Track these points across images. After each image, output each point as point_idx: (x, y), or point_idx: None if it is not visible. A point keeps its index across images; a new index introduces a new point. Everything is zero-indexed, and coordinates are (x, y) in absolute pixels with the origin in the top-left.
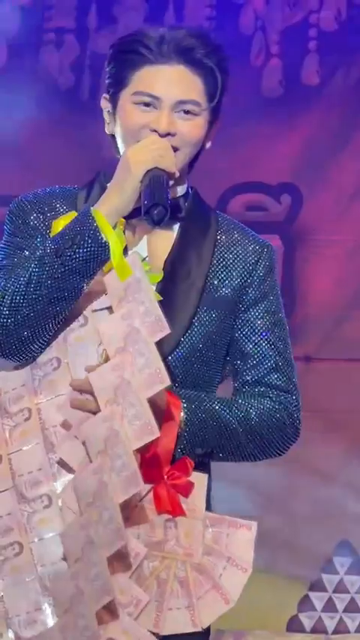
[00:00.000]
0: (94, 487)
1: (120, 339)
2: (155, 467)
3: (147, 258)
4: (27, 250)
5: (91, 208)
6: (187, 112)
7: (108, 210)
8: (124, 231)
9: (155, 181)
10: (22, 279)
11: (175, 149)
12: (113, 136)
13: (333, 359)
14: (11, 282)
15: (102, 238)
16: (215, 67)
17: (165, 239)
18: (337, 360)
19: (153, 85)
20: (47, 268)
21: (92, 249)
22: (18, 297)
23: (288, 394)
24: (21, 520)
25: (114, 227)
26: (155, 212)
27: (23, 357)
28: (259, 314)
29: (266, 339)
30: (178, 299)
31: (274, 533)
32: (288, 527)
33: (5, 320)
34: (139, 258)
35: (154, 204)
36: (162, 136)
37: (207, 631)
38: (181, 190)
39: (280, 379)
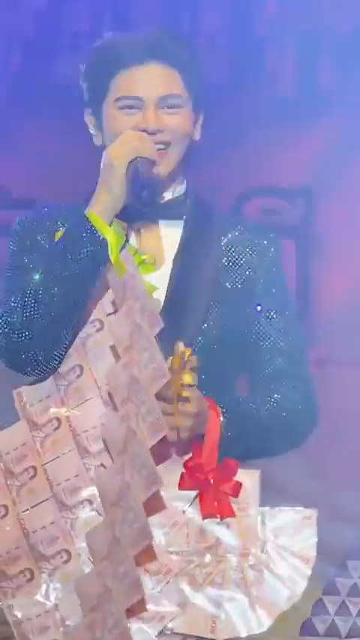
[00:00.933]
0: (116, 487)
1: (127, 336)
2: (199, 472)
3: (139, 251)
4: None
5: (84, 212)
6: (171, 107)
7: (100, 209)
8: (126, 235)
9: (139, 168)
10: (30, 292)
11: (168, 144)
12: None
13: (346, 362)
14: (19, 297)
15: (100, 236)
16: (189, 58)
17: (171, 238)
18: (351, 364)
19: (133, 87)
20: (52, 277)
21: (92, 248)
22: (29, 311)
23: (304, 383)
24: (65, 527)
25: (110, 225)
26: (144, 194)
27: (43, 371)
28: (272, 306)
29: (281, 331)
30: (190, 295)
31: None
32: None
33: (19, 335)
34: (131, 253)
35: (141, 187)
36: (152, 133)
37: None
38: (181, 189)
39: (295, 371)
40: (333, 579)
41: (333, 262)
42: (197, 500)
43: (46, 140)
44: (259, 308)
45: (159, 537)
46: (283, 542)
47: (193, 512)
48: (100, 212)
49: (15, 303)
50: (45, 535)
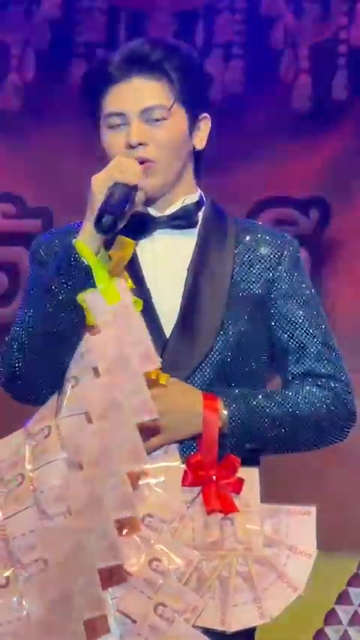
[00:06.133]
0: (84, 496)
1: (110, 360)
2: (201, 469)
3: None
4: None
5: (73, 240)
6: (157, 120)
7: (85, 237)
8: (134, 252)
9: (110, 194)
10: (24, 320)
11: (154, 158)
12: None
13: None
14: (17, 326)
15: (83, 263)
16: (177, 67)
17: (185, 247)
18: None
19: (117, 104)
20: (41, 305)
21: (76, 275)
22: (23, 340)
23: (336, 381)
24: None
25: (97, 252)
26: (103, 220)
27: (42, 400)
28: (294, 307)
29: (306, 331)
30: (205, 303)
31: None
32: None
33: (16, 365)
34: (127, 284)
35: (102, 214)
36: (134, 147)
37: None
38: (190, 198)
39: (325, 367)
40: (346, 589)
41: (347, 272)
42: (201, 495)
43: (61, 150)
44: (284, 308)
45: (167, 532)
46: (284, 538)
47: (197, 508)
48: (87, 240)
49: (13, 334)
50: (24, 542)
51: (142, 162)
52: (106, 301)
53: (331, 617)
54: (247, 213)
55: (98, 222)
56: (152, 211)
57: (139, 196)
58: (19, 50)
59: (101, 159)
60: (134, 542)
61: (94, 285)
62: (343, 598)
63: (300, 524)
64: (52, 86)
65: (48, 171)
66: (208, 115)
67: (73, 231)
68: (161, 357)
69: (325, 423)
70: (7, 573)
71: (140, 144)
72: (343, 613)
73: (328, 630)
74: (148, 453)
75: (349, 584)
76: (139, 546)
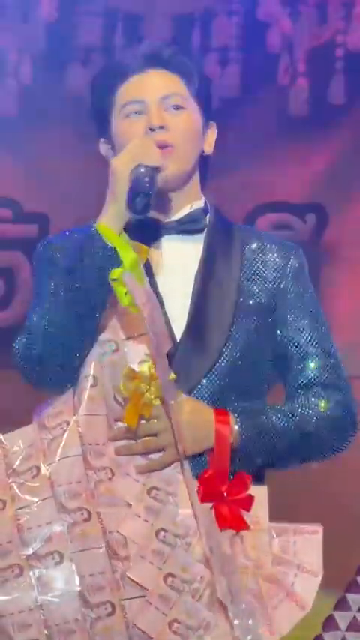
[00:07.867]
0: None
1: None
2: (213, 485)
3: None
4: None
5: (94, 224)
6: (175, 107)
7: (107, 219)
8: (149, 251)
9: (137, 175)
10: (45, 306)
11: (173, 142)
12: None
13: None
14: (38, 313)
15: (107, 244)
16: (189, 65)
17: (192, 254)
18: None
19: (135, 92)
20: (63, 288)
21: (100, 255)
22: (45, 325)
23: (340, 391)
24: (62, 530)
25: (119, 234)
26: (137, 200)
27: (62, 384)
28: (299, 316)
29: (310, 341)
30: (213, 312)
31: None
32: None
33: (39, 351)
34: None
35: (135, 194)
36: (154, 129)
37: None
38: (197, 204)
39: (330, 378)
40: (344, 595)
41: (344, 277)
42: (213, 511)
43: (58, 154)
44: (289, 317)
45: (180, 547)
46: (292, 556)
47: (209, 524)
48: (108, 222)
49: (32, 321)
50: (40, 534)
51: (161, 148)
52: (137, 281)
53: (329, 623)
54: (244, 218)
55: (131, 203)
56: (160, 217)
57: (160, 177)
58: (16, 54)
59: (101, 162)
60: (149, 557)
61: (116, 263)
62: (341, 604)
63: (307, 542)
64: (49, 90)
65: (45, 175)
66: (215, 124)
67: (82, 231)
68: (170, 363)
69: (332, 435)
70: (20, 563)
71: (161, 127)
72: (342, 619)
73: (327, 636)
74: (161, 468)
75: (348, 590)
76: (153, 561)
